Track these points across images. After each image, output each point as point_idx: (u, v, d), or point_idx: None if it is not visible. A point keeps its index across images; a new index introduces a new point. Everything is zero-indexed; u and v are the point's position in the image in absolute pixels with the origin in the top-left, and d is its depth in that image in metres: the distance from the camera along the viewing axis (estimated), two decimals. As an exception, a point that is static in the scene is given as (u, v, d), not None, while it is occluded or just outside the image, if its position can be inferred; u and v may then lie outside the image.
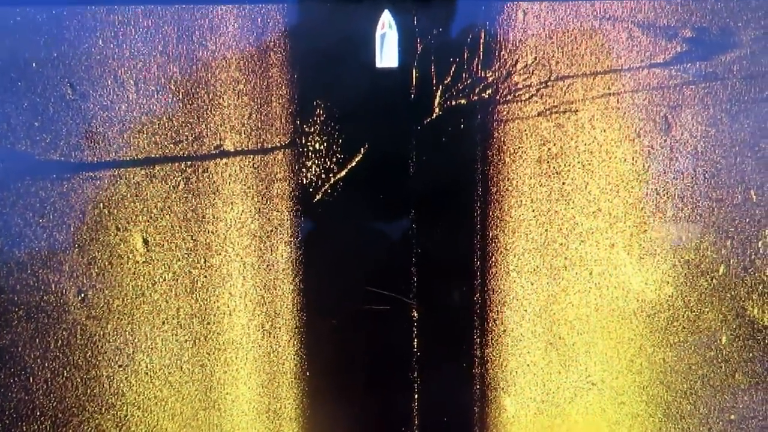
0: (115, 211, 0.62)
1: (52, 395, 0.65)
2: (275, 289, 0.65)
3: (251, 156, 0.63)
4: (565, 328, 0.67)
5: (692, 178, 0.65)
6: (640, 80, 0.63)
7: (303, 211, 0.64)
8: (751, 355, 0.67)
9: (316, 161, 0.64)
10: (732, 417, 0.68)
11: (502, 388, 0.68)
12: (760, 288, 0.66)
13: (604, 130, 0.64)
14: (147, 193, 0.63)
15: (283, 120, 0.63)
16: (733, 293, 0.66)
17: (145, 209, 0.63)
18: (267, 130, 0.63)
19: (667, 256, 0.66)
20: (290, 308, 0.66)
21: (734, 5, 0.63)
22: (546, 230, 0.65)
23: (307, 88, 0.63)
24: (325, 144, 0.63)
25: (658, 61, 0.64)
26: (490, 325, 0.67)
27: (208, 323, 0.65)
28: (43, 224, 0.63)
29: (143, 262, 0.64)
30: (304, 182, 0.64)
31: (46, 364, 0.64)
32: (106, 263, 0.64)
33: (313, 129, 0.63)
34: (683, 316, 0.67)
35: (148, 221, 0.63)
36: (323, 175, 0.64)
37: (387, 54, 0.58)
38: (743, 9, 0.63)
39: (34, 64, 0.62)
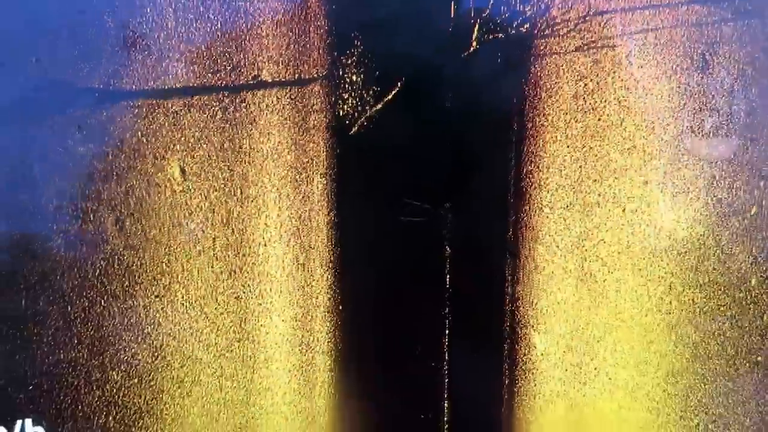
0: (153, 139, 0.63)
1: (89, 323, 0.66)
2: (310, 221, 0.66)
3: (288, 87, 0.63)
4: (596, 264, 0.67)
5: (728, 116, 0.65)
6: (679, 16, 0.63)
7: (339, 143, 0.65)
8: (780, 295, 0.67)
9: (353, 93, 0.64)
10: (759, 358, 0.69)
11: (532, 326, 0.69)
12: (792, 228, 0.67)
13: (641, 67, 0.64)
14: (185, 122, 0.63)
15: (320, 51, 0.63)
16: (764, 234, 0.67)
17: (183, 138, 0.63)
18: (305, 61, 0.63)
19: (700, 195, 0.66)
20: (325, 241, 0.66)
21: (776, -58, 0.62)
22: (580, 166, 0.66)
23: (345, 19, 0.63)
24: (362, 76, 0.63)
25: (697, -3, 0.63)
26: (521, 261, 0.68)
27: (244, 255, 0.66)
28: (82, 152, 0.63)
29: (180, 191, 0.64)
30: (341, 114, 0.64)
31: (84, 293, 0.65)
32: (144, 192, 0.64)
33: (350, 61, 0.64)
34: (714, 256, 0.67)
35: (186, 150, 0.63)
36: (359, 108, 0.64)
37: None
38: (785, -54, 0.62)
39: (73, -9, 0.61)
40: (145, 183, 0.64)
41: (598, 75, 0.64)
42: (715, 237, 0.67)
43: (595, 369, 0.69)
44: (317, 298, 0.67)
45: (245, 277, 0.67)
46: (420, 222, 0.63)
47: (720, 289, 0.68)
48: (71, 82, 0.63)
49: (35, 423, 0.65)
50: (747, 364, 0.69)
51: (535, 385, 0.69)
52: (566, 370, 0.68)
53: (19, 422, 0.65)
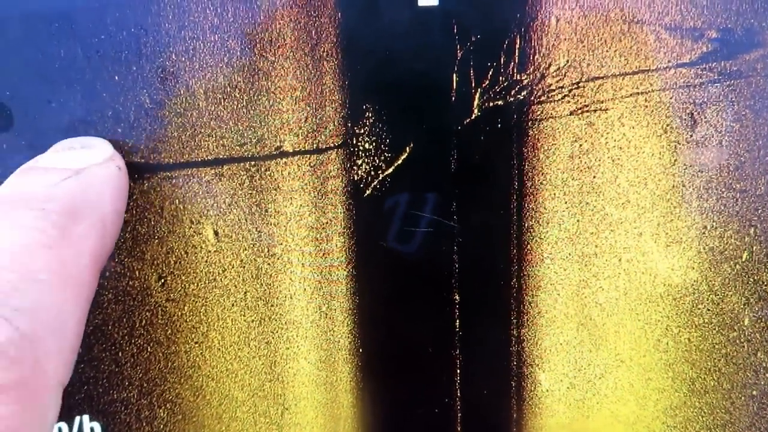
0: (189, 206, 0.70)
1: (138, 368, 0.73)
2: (330, 275, 0.72)
3: (308, 156, 0.70)
4: (595, 310, 0.72)
5: (717, 170, 0.69)
6: (667, 79, 0.68)
7: (354, 205, 0.71)
8: (773, 335, 0.71)
9: (366, 160, 0.70)
10: (754, 392, 0.73)
11: (537, 365, 0.74)
12: (782, 273, 0.70)
13: (633, 127, 0.68)
14: (216, 190, 0.70)
15: (335, 123, 0.69)
16: (755, 278, 0.71)
17: (215, 204, 0.70)
18: (321, 132, 0.69)
19: (693, 244, 0.70)
20: (344, 291, 0.73)
21: (759, 6, 0.66)
22: (578, 220, 0.71)
23: (357, 93, 0.69)
24: (374, 144, 0.69)
25: (684, 61, 0.67)
26: (526, 307, 0.73)
27: (272, 305, 0.73)
28: (127, 219, 0.71)
29: (214, 251, 0.71)
30: (355, 179, 0.70)
31: (133, 341, 0.73)
32: (182, 252, 0.71)
33: (363, 131, 0.70)
34: (707, 299, 0.71)
35: (218, 215, 0.70)
36: (372, 173, 0.70)
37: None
38: None
39: (116, 78, 0.69)
40: (183, 244, 0.71)
41: (592, 136, 0.69)
42: (708, 282, 0.71)
43: (598, 404, 0.74)
44: (339, 342, 0.74)
45: (274, 325, 0.74)
46: (430, 240, 0.69)
47: (714, 330, 0.72)
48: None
49: (92, 419, 0.73)
50: (742, 398, 0.73)
51: (542, 418, 0.74)
52: (570, 405, 0.74)
53: (77, 419, 0.73)
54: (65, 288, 0.28)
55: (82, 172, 0.29)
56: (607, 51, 0.69)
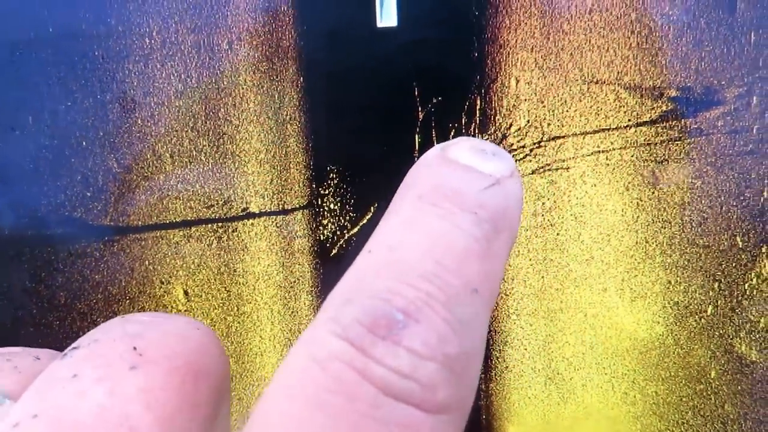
0: (159, 267, 0.71)
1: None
2: (299, 333, 0.73)
3: (274, 216, 0.71)
4: (562, 364, 0.73)
5: (680, 226, 0.69)
6: (628, 138, 0.68)
7: (321, 263, 0.72)
8: (739, 387, 0.71)
9: (332, 220, 0.71)
10: (723, 446, 0.73)
11: (506, 418, 0.75)
12: (747, 327, 0.71)
13: (595, 185, 0.69)
14: (185, 251, 0.71)
15: (300, 184, 0.70)
16: (721, 331, 0.71)
17: (184, 265, 0.71)
18: (287, 193, 0.70)
19: (657, 299, 0.71)
20: (313, 349, 0.73)
21: (718, 64, 0.67)
22: (543, 277, 0.71)
23: (321, 155, 0.70)
24: (338, 204, 0.70)
25: (644, 119, 0.68)
26: (493, 362, 0.74)
27: (243, 362, 0.74)
28: (98, 280, 0.72)
29: (185, 311, 0.72)
30: (321, 238, 0.71)
31: (105, 399, 0.73)
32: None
33: (327, 191, 0.70)
34: (674, 353, 0.72)
35: (187, 275, 0.71)
36: (338, 232, 0.71)
37: (387, 11, 0.63)
38: (727, 68, 0.66)
39: (84, 143, 0.70)
40: (154, 304, 0.72)
41: (554, 194, 0.69)
42: (674, 336, 0.71)
43: (567, 458, 0.74)
44: (310, 398, 0.74)
45: (246, 382, 0.74)
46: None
47: (681, 382, 0.72)
48: (85, 220, 0.71)
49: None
50: (712, 451, 0.74)
51: (512, 473, 0.75)
52: (540, 459, 0.74)
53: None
54: (491, 304, 0.27)
55: (501, 182, 0.27)
56: (567, 111, 0.69)
